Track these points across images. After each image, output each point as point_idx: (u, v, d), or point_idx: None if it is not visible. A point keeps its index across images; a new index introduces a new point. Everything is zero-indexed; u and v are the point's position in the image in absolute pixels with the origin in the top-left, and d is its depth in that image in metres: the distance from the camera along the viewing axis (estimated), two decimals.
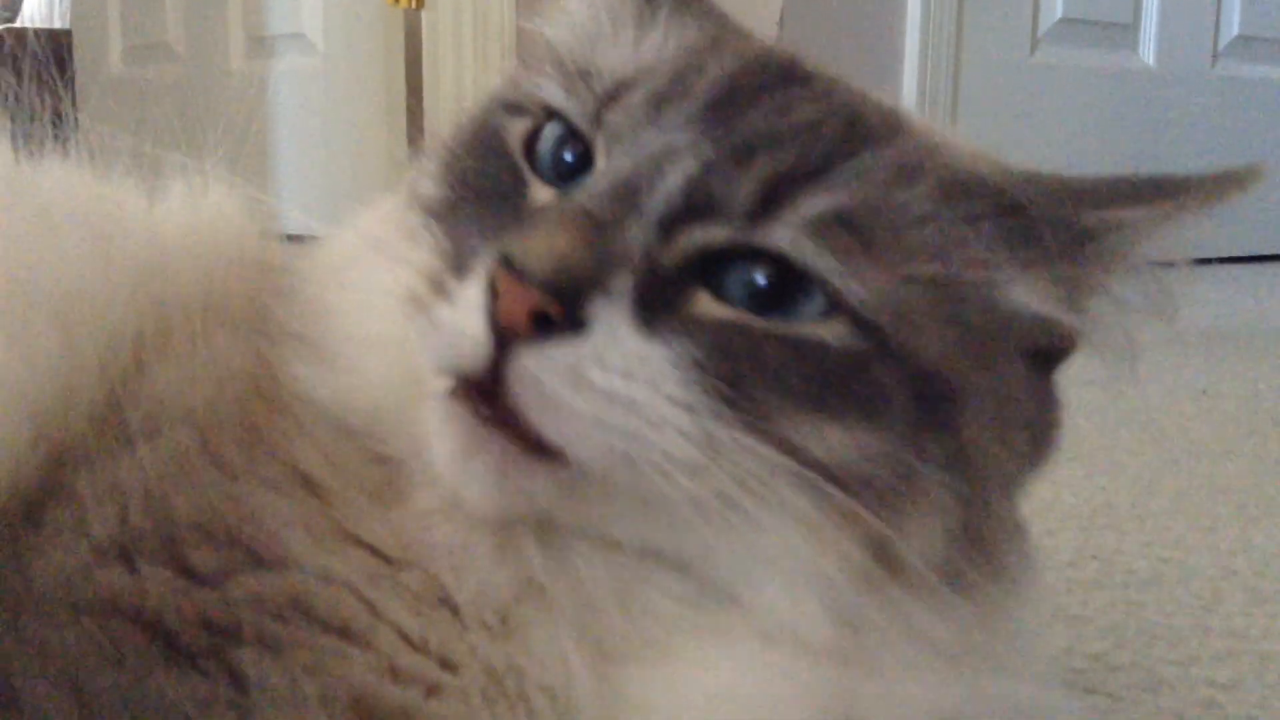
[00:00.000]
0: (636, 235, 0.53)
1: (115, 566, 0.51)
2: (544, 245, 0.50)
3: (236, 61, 3.53)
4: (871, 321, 0.54)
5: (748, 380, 0.52)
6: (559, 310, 0.50)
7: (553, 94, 0.60)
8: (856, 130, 0.57)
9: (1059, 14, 3.48)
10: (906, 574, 0.54)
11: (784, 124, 0.56)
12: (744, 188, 0.54)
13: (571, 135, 0.59)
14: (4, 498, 0.53)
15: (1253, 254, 4.03)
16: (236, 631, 0.50)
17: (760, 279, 0.54)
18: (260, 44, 3.48)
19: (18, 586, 0.50)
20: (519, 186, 0.60)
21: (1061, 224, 0.58)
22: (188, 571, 0.51)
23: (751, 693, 0.53)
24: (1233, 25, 3.77)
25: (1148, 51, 3.63)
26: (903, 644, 0.55)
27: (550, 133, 0.60)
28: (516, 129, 0.62)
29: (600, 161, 0.58)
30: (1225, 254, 3.92)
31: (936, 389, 0.55)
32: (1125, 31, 3.61)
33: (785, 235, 0.54)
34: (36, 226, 0.62)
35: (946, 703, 0.55)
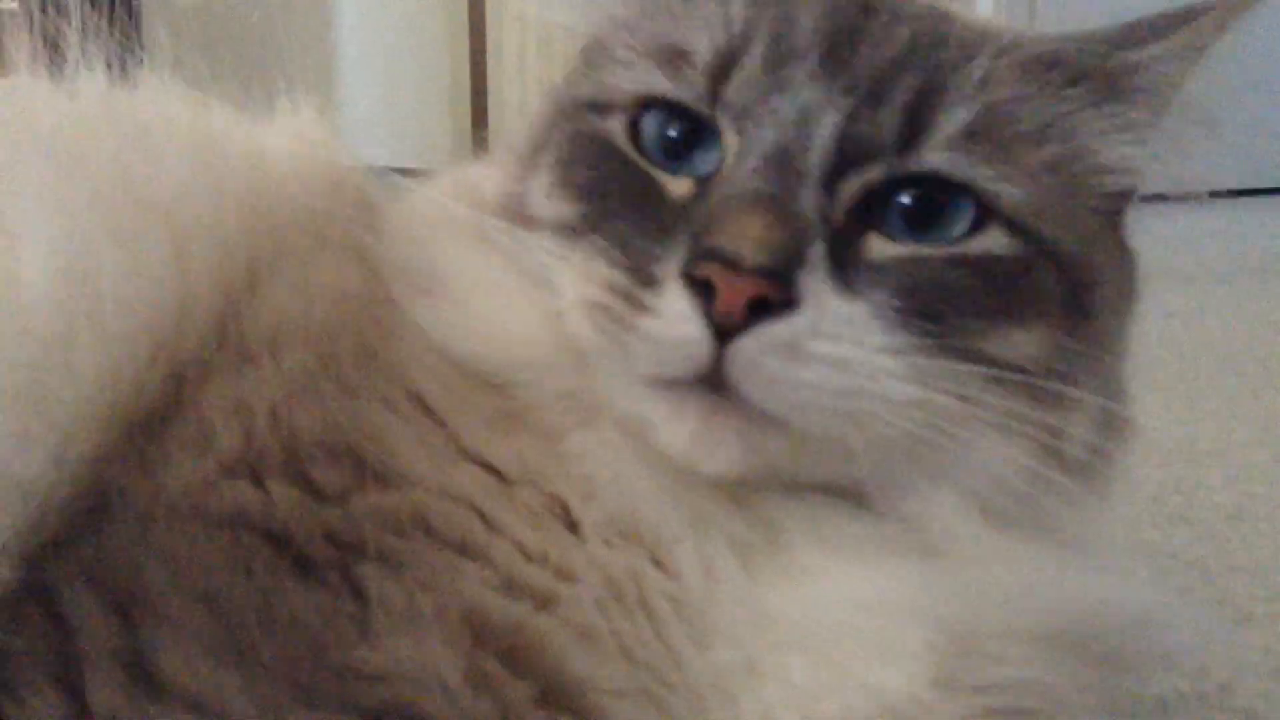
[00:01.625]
0: (809, 200, 0.55)
1: (243, 481, 0.52)
2: (745, 234, 0.52)
3: None
4: (1024, 224, 0.57)
5: (939, 308, 0.55)
6: (778, 291, 0.52)
7: (652, 82, 0.61)
8: (948, 40, 0.60)
9: None
10: (1061, 467, 0.58)
11: (892, 54, 0.59)
12: (886, 124, 0.57)
13: (678, 117, 0.60)
14: (131, 413, 0.54)
15: None
16: (360, 547, 0.51)
17: (908, 200, 0.57)
18: None
19: (146, 500, 0.52)
20: (649, 185, 0.60)
21: (1120, 71, 0.61)
22: (313, 488, 0.53)
23: (884, 601, 0.55)
24: None
25: None
26: (1038, 539, 0.59)
27: (653, 121, 0.61)
28: (617, 128, 0.62)
29: (731, 138, 0.58)
30: None
31: (1080, 278, 0.59)
32: None
33: (938, 156, 0.57)
34: (140, 144, 0.62)
35: (1070, 606, 0.57)
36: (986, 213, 0.57)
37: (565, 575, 0.54)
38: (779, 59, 0.58)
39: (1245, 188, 3.68)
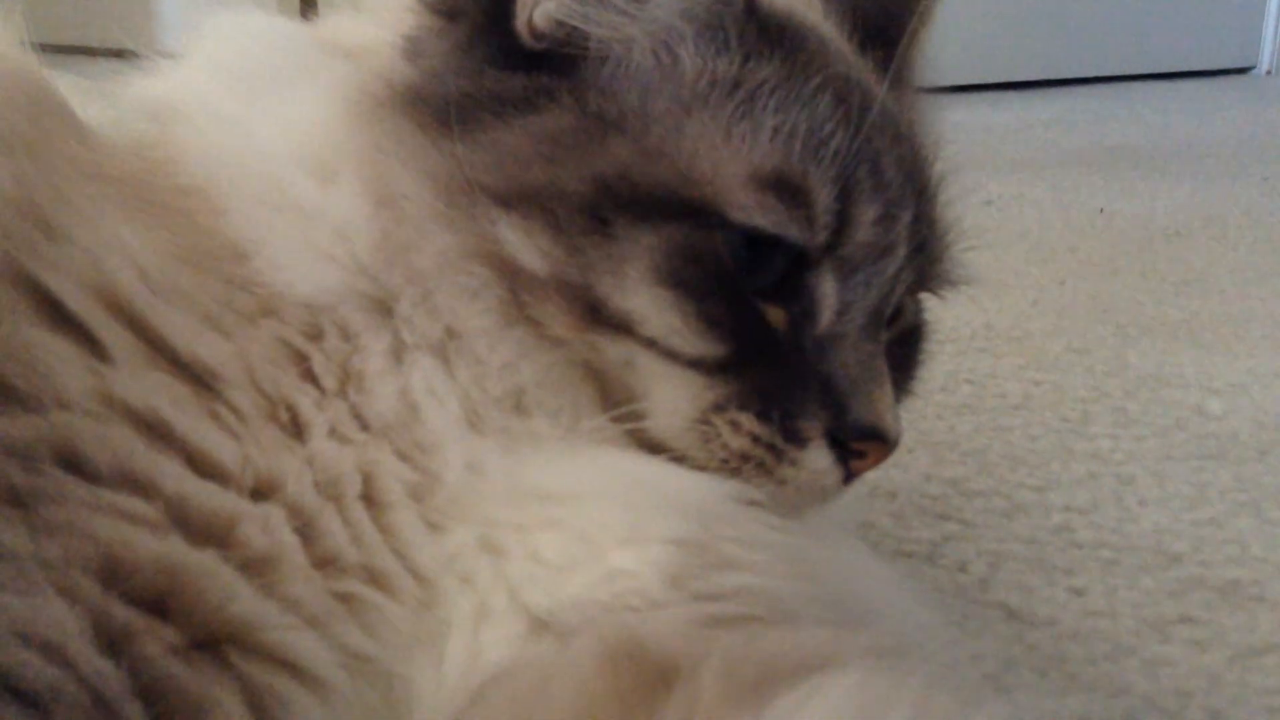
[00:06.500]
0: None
1: None
2: (885, 414, 0.59)
3: None
4: None
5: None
6: None
7: (774, 224, 0.57)
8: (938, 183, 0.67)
9: None
10: None
11: (935, 216, 0.66)
12: (932, 281, 0.68)
13: (784, 253, 0.59)
14: None
15: (1158, 71, 4.01)
16: None
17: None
18: None
19: None
20: (755, 314, 0.59)
21: None
22: None
23: (640, 483, 0.56)
24: None
25: None
26: None
27: (758, 251, 0.58)
28: (724, 250, 0.57)
29: (830, 285, 0.60)
30: (1132, 71, 3.90)
31: None
32: None
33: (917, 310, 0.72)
34: None
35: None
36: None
37: (259, 489, 0.50)
38: (887, 219, 0.60)
39: (1075, 76, 3.75)
